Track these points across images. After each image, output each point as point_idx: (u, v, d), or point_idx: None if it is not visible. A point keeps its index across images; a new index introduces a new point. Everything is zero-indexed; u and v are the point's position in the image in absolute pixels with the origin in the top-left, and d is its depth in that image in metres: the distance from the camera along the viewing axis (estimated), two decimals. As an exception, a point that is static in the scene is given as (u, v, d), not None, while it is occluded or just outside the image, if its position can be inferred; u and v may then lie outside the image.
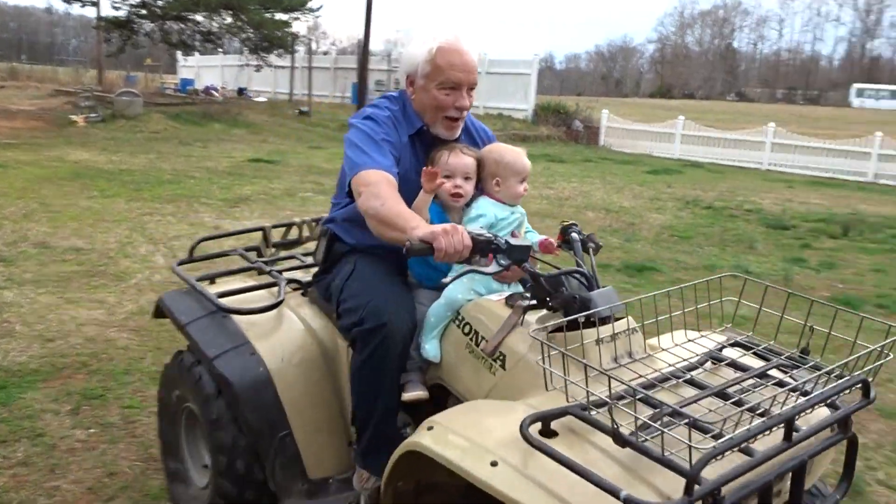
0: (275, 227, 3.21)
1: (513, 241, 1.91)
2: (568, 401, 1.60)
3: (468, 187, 2.26)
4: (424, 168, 2.16)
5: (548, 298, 1.94)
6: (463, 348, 2.09)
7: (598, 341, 1.82)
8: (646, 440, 1.42)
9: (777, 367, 1.84)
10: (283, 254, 3.19)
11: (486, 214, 2.22)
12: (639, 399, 1.47)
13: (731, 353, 1.94)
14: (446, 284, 2.06)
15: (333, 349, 2.48)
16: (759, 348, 1.96)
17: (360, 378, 2.17)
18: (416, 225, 1.95)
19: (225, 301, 2.54)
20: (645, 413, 1.50)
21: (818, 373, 1.62)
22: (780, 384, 1.73)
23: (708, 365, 1.90)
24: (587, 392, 1.52)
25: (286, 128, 19.59)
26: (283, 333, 2.48)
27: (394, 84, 22.73)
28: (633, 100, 52.63)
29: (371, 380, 2.16)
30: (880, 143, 17.30)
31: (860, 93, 73.35)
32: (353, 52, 30.55)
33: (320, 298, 2.54)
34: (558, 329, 1.87)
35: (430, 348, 2.15)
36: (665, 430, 1.39)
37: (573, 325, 1.81)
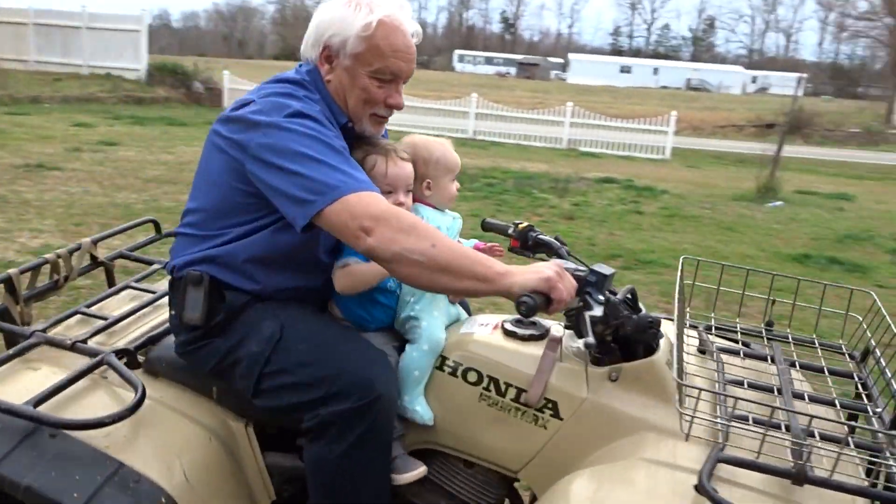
0: (23, 271, 2.16)
1: (601, 270, 1.59)
2: (721, 445, 1.39)
3: (410, 201, 1.85)
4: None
5: (597, 326, 1.60)
6: (475, 401, 1.71)
7: (669, 363, 1.60)
8: (813, 469, 1.31)
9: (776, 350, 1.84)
10: (39, 311, 2.20)
11: (440, 228, 1.81)
12: (759, 421, 1.40)
13: (718, 341, 1.89)
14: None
15: (229, 437, 1.86)
16: (737, 330, 1.91)
17: (339, 473, 1.64)
18: (502, 270, 1.52)
19: (43, 410, 1.64)
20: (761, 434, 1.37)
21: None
22: (794, 365, 1.77)
23: (725, 358, 1.78)
24: (732, 427, 1.40)
25: None
26: (162, 436, 1.74)
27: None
28: (258, 61, 51.99)
29: (357, 472, 1.64)
30: (476, 103, 19.57)
31: (461, 58, 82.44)
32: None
33: (186, 371, 1.88)
34: (597, 359, 1.65)
35: (422, 409, 1.73)
36: (891, 462, 1.27)
37: (624, 353, 1.63)
